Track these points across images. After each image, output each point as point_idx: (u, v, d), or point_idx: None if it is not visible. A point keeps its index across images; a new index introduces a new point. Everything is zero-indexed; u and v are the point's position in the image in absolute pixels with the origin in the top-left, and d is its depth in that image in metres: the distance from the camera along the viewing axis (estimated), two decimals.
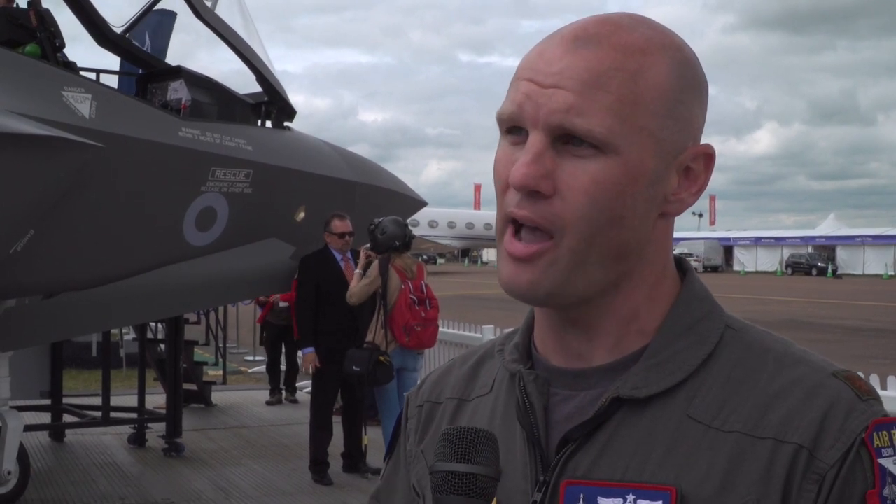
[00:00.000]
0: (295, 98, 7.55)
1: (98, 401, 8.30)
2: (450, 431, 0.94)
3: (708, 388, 0.96)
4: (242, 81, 7.05)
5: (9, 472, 6.30)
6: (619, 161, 0.93)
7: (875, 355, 15.50)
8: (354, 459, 7.64)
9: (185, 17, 6.16)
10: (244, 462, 8.12)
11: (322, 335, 7.31)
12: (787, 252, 67.04)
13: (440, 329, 8.22)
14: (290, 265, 7.40)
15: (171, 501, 6.87)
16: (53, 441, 8.71)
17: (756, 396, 0.94)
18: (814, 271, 60.77)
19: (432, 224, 57.82)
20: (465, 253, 73.76)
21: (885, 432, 0.91)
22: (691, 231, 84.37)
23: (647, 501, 0.92)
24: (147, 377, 9.03)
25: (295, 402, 11.08)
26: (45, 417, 8.69)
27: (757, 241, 72.21)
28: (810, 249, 65.99)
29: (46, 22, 5.79)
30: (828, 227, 71.67)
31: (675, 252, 1.06)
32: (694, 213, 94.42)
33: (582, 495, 0.95)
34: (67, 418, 8.55)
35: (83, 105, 5.17)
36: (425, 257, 58.98)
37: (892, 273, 58.36)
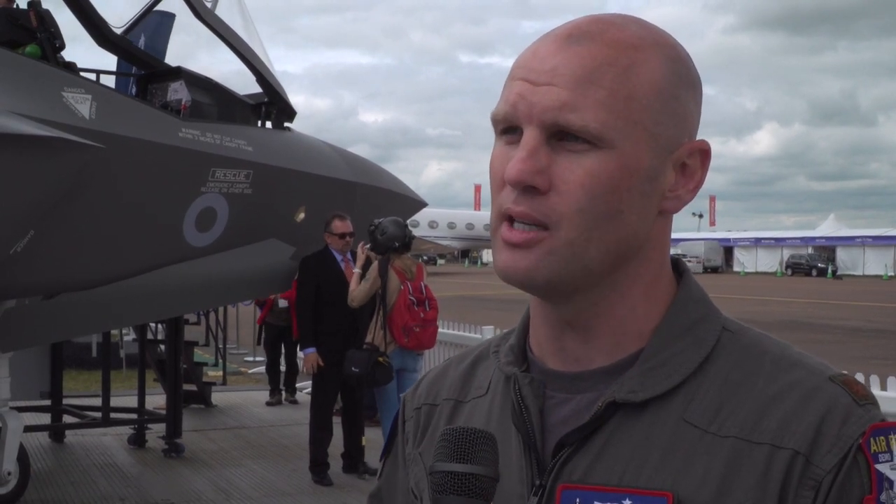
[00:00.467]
0: (295, 98, 7.57)
1: (98, 401, 8.30)
2: (449, 432, 0.94)
3: (705, 391, 0.96)
4: (242, 82, 7.06)
5: (9, 473, 6.30)
6: (614, 155, 0.93)
7: (875, 356, 15.50)
8: (354, 460, 7.63)
9: (185, 18, 6.16)
10: (244, 463, 8.11)
11: (322, 336, 7.31)
12: (787, 253, 67.01)
13: (440, 330, 8.23)
14: (290, 266, 7.39)
15: (171, 502, 6.86)
16: (53, 442, 8.71)
17: (753, 400, 0.94)
18: (814, 272, 60.74)
19: (432, 225, 57.83)
20: (465, 254, 73.75)
21: (882, 438, 0.90)
22: (691, 231, 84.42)
23: None
24: (147, 378, 9.03)
25: (295, 402, 11.08)
26: (45, 418, 8.69)
27: (757, 242, 72.19)
28: (810, 250, 65.97)
29: (46, 22, 5.79)
30: (828, 227, 71.64)
31: (671, 252, 1.06)
32: (694, 214, 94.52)
33: (578, 500, 0.94)
34: (67, 419, 8.55)
35: (83, 106, 5.17)
36: (425, 258, 58.94)
37: (892, 274, 58.34)
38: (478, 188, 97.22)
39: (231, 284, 7.05)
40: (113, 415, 8.22)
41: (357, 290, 7.08)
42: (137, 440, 8.63)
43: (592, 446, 0.96)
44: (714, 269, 65.74)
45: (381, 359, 6.95)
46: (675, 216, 1.03)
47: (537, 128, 0.94)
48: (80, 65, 6.14)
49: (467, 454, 0.91)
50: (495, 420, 1.05)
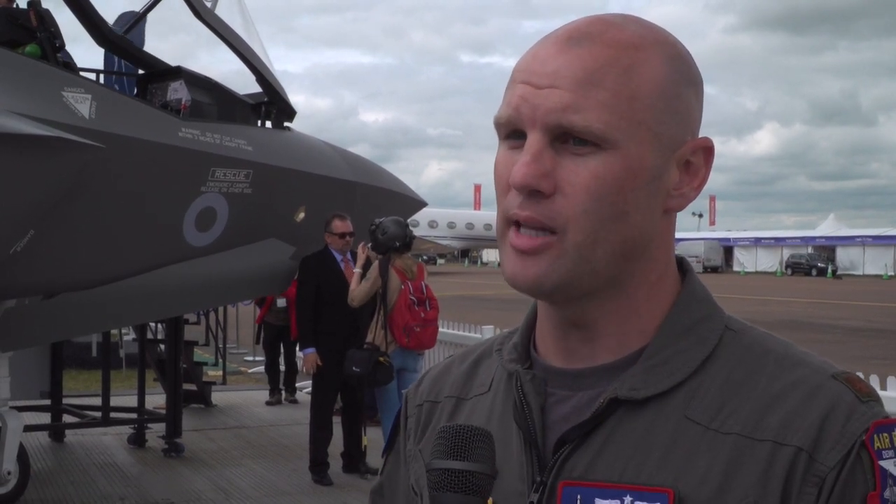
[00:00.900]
0: (295, 98, 7.57)
1: (98, 401, 8.30)
2: (446, 429, 0.94)
3: (706, 389, 0.96)
4: (242, 82, 7.06)
5: (9, 473, 6.30)
6: (618, 156, 0.93)
7: (875, 356, 15.50)
8: (354, 459, 7.64)
9: (185, 18, 6.15)
10: (244, 462, 8.11)
11: (322, 335, 7.31)
12: (787, 252, 67.02)
13: (440, 329, 8.22)
14: (289, 265, 7.39)
15: (170, 502, 6.87)
16: (53, 441, 8.71)
17: (755, 398, 0.94)
18: (814, 272, 60.75)
19: (432, 224, 57.83)
20: (465, 253, 73.77)
21: (885, 434, 0.91)
22: (691, 231, 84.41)
23: (645, 503, 0.92)
24: (147, 377, 9.03)
25: (295, 402, 11.08)
26: (45, 418, 8.69)
27: (757, 242, 72.19)
28: (810, 250, 65.97)
29: (46, 22, 5.79)
30: (828, 227, 71.66)
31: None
32: (694, 214, 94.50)
33: (579, 496, 0.94)
34: (67, 418, 8.55)
35: (83, 105, 5.17)
36: (425, 258, 58.99)
37: (892, 273, 58.35)
38: (478, 188, 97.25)
39: (231, 284, 7.05)
40: (113, 414, 8.22)
41: (357, 290, 7.08)
42: (137, 440, 8.63)
43: (594, 443, 0.96)
44: (714, 269, 65.73)
45: (381, 358, 6.94)
46: (679, 211, 1.03)
47: (541, 131, 0.94)
48: (79, 64, 6.13)
49: (464, 451, 0.92)
50: (497, 417, 1.05)
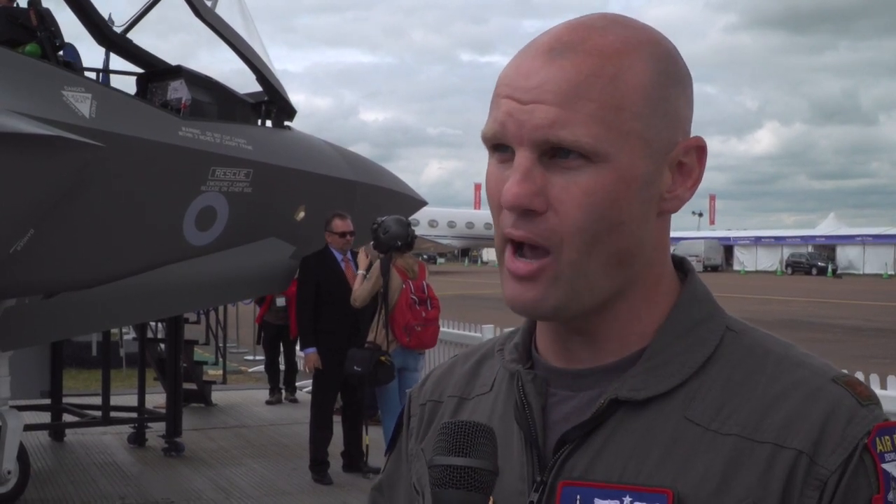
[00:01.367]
0: (296, 97, 7.56)
1: (98, 400, 8.31)
2: (448, 425, 0.94)
3: (707, 390, 0.96)
4: (243, 81, 7.06)
5: (9, 472, 6.30)
6: (609, 168, 0.92)
7: (875, 355, 15.50)
8: (354, 459, 7.64)
9: (185, 17, 6.15)
10: (244, 461, 8.12)
11: (322, 335, 7.31)
12: (787, 251, 67.03)
13: (440, 329, 8.22)
14: (289, 265, 7.39)
15: (171, 501, 6.87)
16: (53, 440, 8.71)
17: (755, 399, 0.94)
18: (814, 271, 60.76)
19: (432, 224, 57.83)
20: (465, 252, 73.77)
21: (887, 437, 0.91)
22: (691, 230, 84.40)
23: (644, 503, 0.92)
24: (147, 376, 9.03)
25: (295, 401, 11.08)
26: (45, 417, 8.69)
27: (757, 241, 72.20)
28: (810, 249, 65.98)
29: (46, 21, 5.79)
30: (828, 226, 71.64)
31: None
32: (694, 213, 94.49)
33: (579, 496, 0.94)
34: (67, 418, 8.56)
35: (83, 104, 5.17)
36: (425, 257, 58.99)
37: (892, 273, 58.35)
38: (478, 187, 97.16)
39: (231, 283, 7.05)
40: (113, 414, 8.22)
41: (359, 290, 7.08)
42: (137, 439, 8.63)
43: (594, 443, 0.96)
44: (714, 268, 65.73)
45: (382, 358, 6.95)
46: (674, 214, 1.03)
47: (528, 148, 0.93)
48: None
49: (466, 448, 0.92)
50: (498, 417, 1.05)
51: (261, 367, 12.84)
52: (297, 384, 11.44)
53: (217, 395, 11.03)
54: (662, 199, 0.98)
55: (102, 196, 5.39)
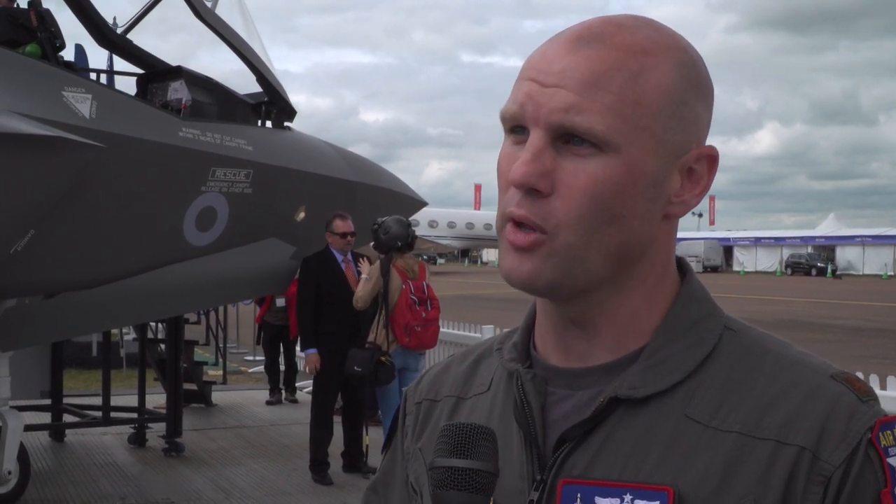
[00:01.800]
0: (296, 98, 7.58)
1: (98, 401, 8.30)
2: (449, 427, 0.95)
3: (706, 388, 0.96)
4: (243, 81, 7.07)
5: (9, 472, 6.30)
6: (619, 160, 0.93)
7: (875, 355, 15.50)
8: (354, 459, 7.64)
9: (185, 18, 6.15)
10: (244, 462, 8.12)
11: (323, 335, 7.31)
12: (786, 252, 67.01)
13: (440, 329, 8.22)
14: (290, 265, 7.39)
15: (171, 501, 6.87)
16: (54, 441, 8.71)
17: (755, 397, 0.94)
18: (813, 271, 60.75)
19: (432, 224, 57.82)
20: (465, 253, 73.77)
21: (889, 432, 0.92)
22: (691, 231, 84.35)
23: (645, 501, 0.92)
24: (147, 377, 9.03)
25: (295, 401, 11.08)
26: (46, 417, 8.69)
27: (757, 242, 72.18)
28: (810, 249, 65.96)
29: (47, 22, 5.79)
30: (827, 227, 71.64)
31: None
32: (694, 213, 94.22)
33: (579, 495, 0.95)
34: (68, 418, 8.55)
35: (83, 105, 5.17)
36: (426, 257, 58.98)
37: (892, 273, 58.34)
38: (478, 188, 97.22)
39: (231, 284, 7.05)
40: (113, 414, 8.22)
41: (361, 291, 7.09)
42: (138, 439, 8.63)
43: (593, 442, 0.97)
44: (714, 269, 65.75)
45: (383, 358, 6.95)
46: (679, 218, 1.04)
47: (543, 129, 0.94)
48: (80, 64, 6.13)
49: (467, 449, 0.92)
50: (497, 416, 1.06)
51: (261, 368, 12.84)
52: (297, 384, 11.44)
53: (217, 396, 11.03)
54: (669, 203, 0.99)
55: (102, 196, 5.39)
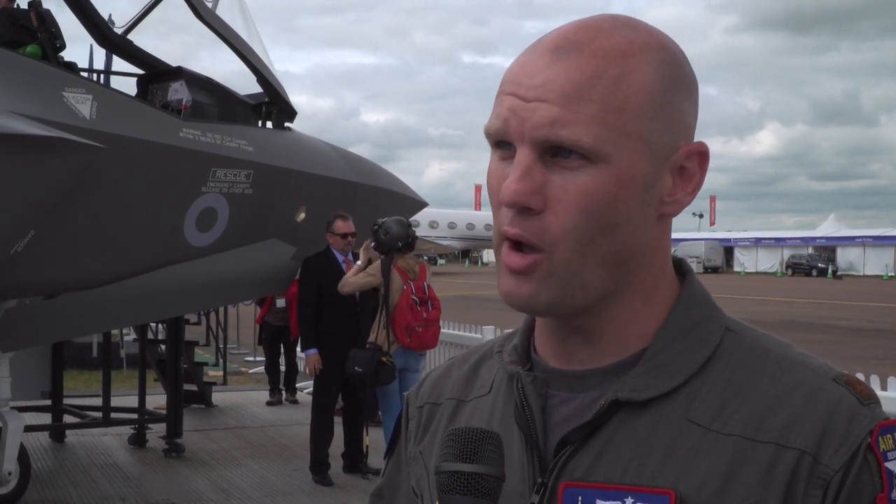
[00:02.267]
0: (297, 99, 7.59)
1: (98, 401, 8.30)
2: (455, 432, 0.94)
3: (707, 390, 0.96)
4: (243, 82, 7.07)
5: (9, 473, 6.30)
6: (609, 170, 0.93)
7: (875, 356, 15.50)
8: (355, 460, 7.64)
9: (185, 18, 6.15)
10: (244, 462, 8.12)
11: (324, 336, 7.31)
12: (787, 253, 66.98)
13: (441, 330, 8.22)
14: (290, 266, 7.40)
15: (171, 502, 6.87)
16: (54, 442, 8.71)
17: (756, 400, 0.94)
18: (814, 272, 60.72)
19: (433, 225, 57.85)
20: (465, 254, 73.77)
21: (889, 436, 0.91)
22: (691, 231, 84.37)
23: None
24: (147, 378, 9.03)
25: (295, 402, 11.08)
26: (46, 418, 8.69)
27: (757, 242, 72.13)
28: (810, 250, 65.92)
29: (47, 22, 5.80)
30: (828, 227, 71.59)
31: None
32: (694, 214, 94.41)
33: (580, 498, 0.94)
34: (68, 419, 8.55)
35: (84, 106, 5.17)
36: (426, 258, 58.99)
37: (893, 274, 58.31)
38: (478, 188, 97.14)
39: (232, 284, 7.06)
40: (113, 415, 8.22)
41: (352, 279, 7.09)
42: (138, 440, 8.63)
43: (595, 444, 0.96)
44: (714, 269, 65.68)
45: (383, 358, 6.95)
46: (674, 217, 1.03)
47: (529, 146, 0.93)
48: (80, 64, 6.13)
49: (473, 454, 0.92)
50: (497, 419, 1.05)
51: (261, 368, 12.85)
52: (298, 385, 11.43)
53: (217, 396, 11.03)
54: (662, 203, 0.98)
55: (103, 197, 5.39)
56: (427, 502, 1.08)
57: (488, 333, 9.11)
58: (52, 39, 5.77)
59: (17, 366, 6.98)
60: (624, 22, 0.97)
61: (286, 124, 7.16)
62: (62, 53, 5.95)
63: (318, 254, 7.36)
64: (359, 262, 7.26)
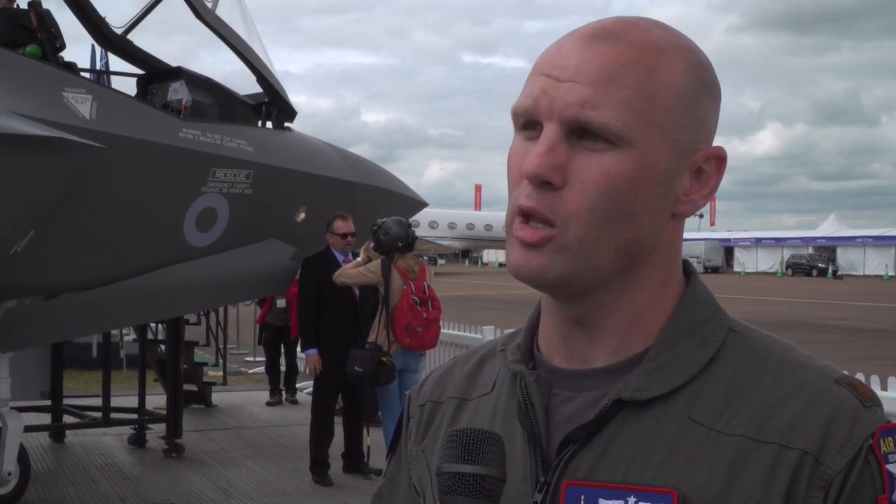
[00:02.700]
0: (297, 99, 7.60)
1: (98, 401, 8.30)
2: (456, 433, 0.95)
3: (710, 390, 0.96)
4: (243, 82, 7.07)
5: (9, 473, 6.30)
6: (632, 155, 0.94)
7: (875, 356, 15.51)
8: (355, 460, 7.64)
9: (185, 18, 6.15)
10: (244, 463, 8.12)
11: (324, 336, 7.31)
12: (787, 253, 67.00)
13: (441, 330, 8.22)
14: (290, 266, 7.40)
15: (171, 502, 6.87)
16: (54, 442, 8.71)
17: (759, 400, 0.94)
18: (814, 272, 60.74)
19: (433, 225, 57.83)
20: (465, 254, 73.79)
21: (890, 439, 0.92)
22: (692, 231, 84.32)
23: (649, 503, 0.92)
24: (147, 378, 9.03)
25: (295, 402, 11.08)
26: (46, 418, 8.68)
27: (757, 242, 72.13)
28: (811, 250, 65.94)
29: (47, 22, 5.79)
30: (828, 227, 71.60)
31: None
32: (695, 214, 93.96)
33: (583, 497, 0.95)
34: (68, 419, 8.55)
35: (83, 106, 5.17)
36: (426, 258, 59.01)
37: (893, 274, 58.32)
38: (478, 188, 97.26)
39: (232, 285, 7.05)
40: (113, 415, 8.22)
41: (351, 273, 7.09)
42: (138, 440, 8.63)
43: (597, 443, 0.97)
44: (714, 269, 65.72)
45: (383, 359, 6.95)
46: (687, 217, 1.04)
47: (557, 124, 0.94)
48: (80, 65, 6.13)
49: (475, 455, 0.92)
50: (500, 418, 1.06)
51: (261, 369, 12.85)
52: (298, 385, 11.43)
53: (217, 397, 11.02)
54: (678, 201, 0.99)
55: (103, 197, 5.39)
56: (429, 502, 1.08)
57: (488, 333, 9.10)
58: (52, 39, 5.77)
59: (17, 366, 6.98)
60: (657, 23, 1.00)
61: (286, 124, 7.16)
62: (62, 53, 5.95)
63: (318, 254, 7.36)
64: (359, 259, 7.26)
